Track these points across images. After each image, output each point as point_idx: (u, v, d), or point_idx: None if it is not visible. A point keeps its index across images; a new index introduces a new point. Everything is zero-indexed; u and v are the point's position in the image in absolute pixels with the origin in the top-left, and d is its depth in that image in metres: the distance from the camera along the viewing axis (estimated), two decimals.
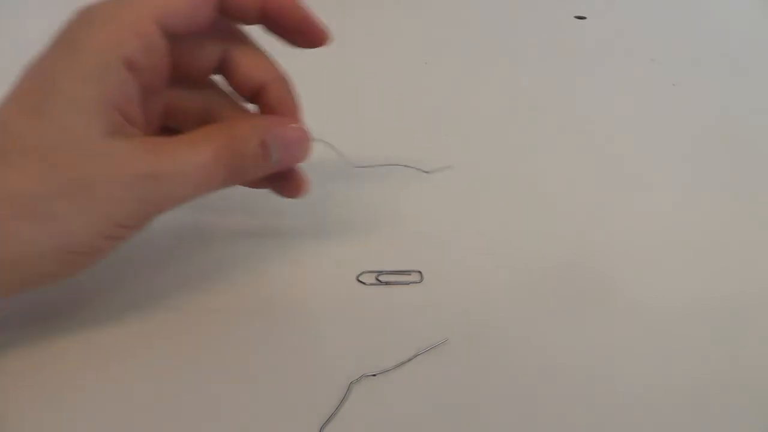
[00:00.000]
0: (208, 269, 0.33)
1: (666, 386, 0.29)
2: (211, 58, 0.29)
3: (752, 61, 0.57)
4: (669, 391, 0.28)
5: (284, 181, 0.31)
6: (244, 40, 0.30)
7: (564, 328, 0.31)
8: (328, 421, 0.26)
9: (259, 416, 0.27)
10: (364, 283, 0.32)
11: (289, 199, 0.32)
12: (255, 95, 0.30)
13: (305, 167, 0.31)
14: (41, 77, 0.25)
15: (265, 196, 0.33)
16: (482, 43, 0.57)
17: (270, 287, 0.32)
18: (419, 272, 0.33)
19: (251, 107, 0.31)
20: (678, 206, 0.39)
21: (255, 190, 0.33)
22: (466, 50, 0.56)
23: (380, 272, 0.33)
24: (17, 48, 0.29)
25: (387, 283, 0.32)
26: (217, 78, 0.31)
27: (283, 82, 0.30)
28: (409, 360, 0.29)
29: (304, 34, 0.29)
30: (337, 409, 0.27)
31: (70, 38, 0.26)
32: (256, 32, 0.30)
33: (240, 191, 0.32)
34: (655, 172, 0.42)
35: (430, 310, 0.31)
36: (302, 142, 0.29)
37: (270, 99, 0.30)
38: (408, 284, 0.32)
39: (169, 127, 0.30)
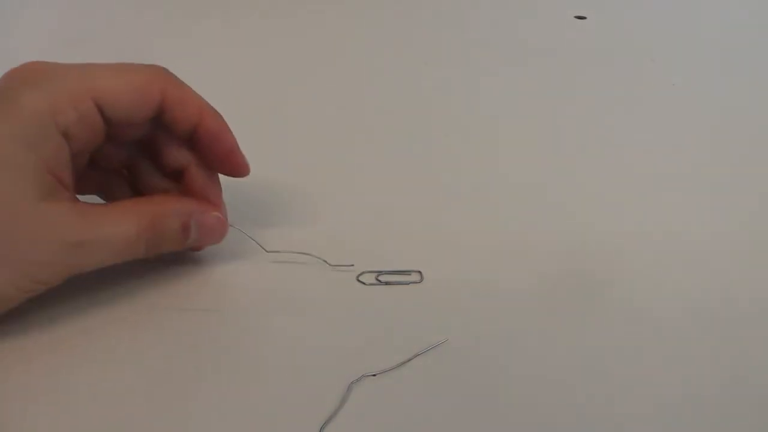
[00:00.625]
0: (206, 269, 0.33)
1: (666, 387, 0.29)
2: (144, 131, 0.31)
3: (752, 61, 0.57)
4: (669, 392, 0.28)
5: (226, 164, 0.32)
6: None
7: (564, 328, 0.31)
8: (328, 421, 0.26)
9: (259, 416, 0.27)
10: (363, 283, 0.32)
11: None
12: (179, 174, 0.32)
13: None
14: None
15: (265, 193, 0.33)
16: (482, 43, 0.57)
17: (269, 286, 0.32)
18: (419, 272, 0.33)
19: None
20: (678, 206, 0.39)
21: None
22: (466, 50, 0.56)
23: (380, 272, 0.32)
24: None
25: (387, 283, 0.32)
26: None
27: (206, 168, 0.32)
28: (409, 360, 0.29)
29: (227, 163, 0.31)
30: (337, 409, 0.27)
31: (9, 97, 0.27)
32: None
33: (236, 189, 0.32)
34: (654, 173, 0.42)
35: (430, 310, 0.31)
36: (220, 228, 0.32)
37: (196, 180, 0.31)
38: (408, 284, 0.32)
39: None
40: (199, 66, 0.35)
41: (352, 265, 0.33)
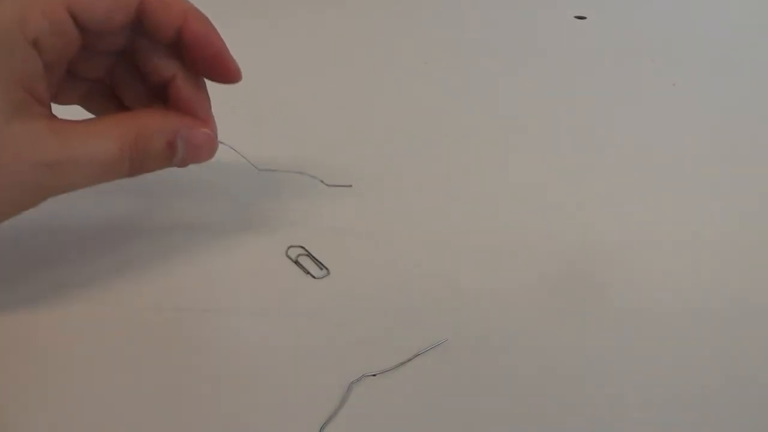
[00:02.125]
0: (204, 269, 0.33)
1: (666, 387, 0.29)
2: (124, 39, 0.29)
3: (752, 61, 0.57)
4: (669, 392, 0.28)
5: (214, 69, 0.30)
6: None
7: (564, 328, 0.31)
8: (329, 421, 0.26)
9: (259, 416, 0.27)
10: (290, 257, 0.33)
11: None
12: (164, 87, 0.30)
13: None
14: None
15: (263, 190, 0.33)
16: (482, 43, 0.57)
17: (270, 286, 0.32)
18: (327, 269, 0.33)
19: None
20: (678, 206, 0.39)
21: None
22: (466, 50, 0.56)
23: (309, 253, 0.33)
24: None
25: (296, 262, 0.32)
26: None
27: (196, 78, 0.30)
28: (409, 360, 0.29)
29: (216, 68, 0.29)
30: (337, 409, 0.27)
31: None
32: None
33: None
34: (654, 173, 0.42)
35: (429, 310, 0.31)
36: (209, 146, 0.30)
37: (182, 93, 0.29)
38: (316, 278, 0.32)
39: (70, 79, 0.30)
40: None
41: (350, 186, 0.31)
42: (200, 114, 0.30)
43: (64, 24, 0.26)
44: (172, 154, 0.29)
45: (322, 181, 0.30)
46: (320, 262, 0.33)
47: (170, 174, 0.30)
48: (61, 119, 0.26)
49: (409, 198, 0.39)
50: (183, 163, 0.30)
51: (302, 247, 0.33)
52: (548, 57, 0.55)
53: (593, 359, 0.30)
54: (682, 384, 0.29)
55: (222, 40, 0.29)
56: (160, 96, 0.30)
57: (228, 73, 0.29)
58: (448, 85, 0.51)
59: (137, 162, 0.28)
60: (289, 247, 0.33)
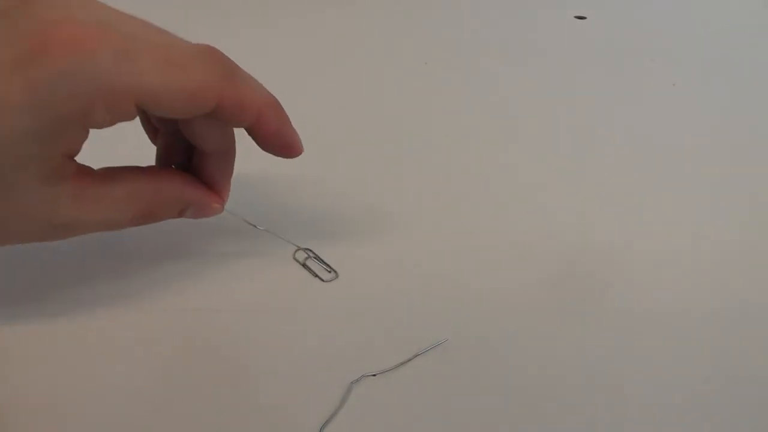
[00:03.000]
0: (206, 268, 0.33)
1: (666, 387, 0.29)
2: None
3: (752, 61, 0.57)
4: (669, 392, 0.28)
5: (280, 152, 0.30)
6: None
7: (564, 328, 0.31)
8: (329, 421, 0.26)
9: (259, 416, 0.27)
10: (297, 260, 0.33)
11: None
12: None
13: None
14: None
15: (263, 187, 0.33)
16: (482, 43, 0.57)
17: (269, 286, 0.32)
18: (336, 272, 0.33)
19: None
20: (677, 207, 0.39)
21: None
22: (466, 50, 0.56)
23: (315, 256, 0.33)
24: None
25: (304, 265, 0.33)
26: None
27: (232, 152, 0.30)
28: (409, 360, 0.29)
29: (283, 152, 0.29)
30: (338, 409, 0.27)
31: (38, 79, 0.22)
32: None
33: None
34: (654, 173, 0.42)
35: (430, 310, 0.31)
36: (214, 214, 0.30)
37: (212, 166, 0.30)
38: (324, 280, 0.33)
39: None
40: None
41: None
42: (219, 185, 0.30)
43: (128, 115, 0.25)
44: (178, 217, 0.29)
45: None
46: (328, 265, 0.33)
47: None
48: (86, 175, 0.26)
49: (409, 198, 0.39)
50: (185, 217, 0.30)
51: (309, 250, 0.33)
52: (548, 57, 0.55)
53: (593, 359, 0.30)
54: (682, 384, 0.29)
55: (293, 130, 0.29)
56: (188, 147, 0.30)
57: (290, 153, 0.30)
58: (448, 86, 0.51)
59: (143, 223, 0.28)
60: (297, 250, 0.33)
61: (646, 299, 0.33)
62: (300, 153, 0.30)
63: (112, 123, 0.24)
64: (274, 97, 0.28)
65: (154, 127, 0.31)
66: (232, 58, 0.27)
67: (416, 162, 0.42)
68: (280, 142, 0.29)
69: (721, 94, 0.51)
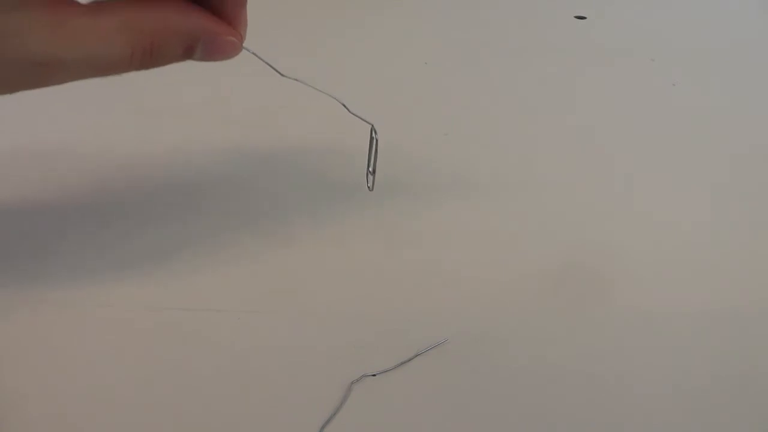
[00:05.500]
0: (207, 267, 0.33)
1: (666, 387, 0.29)
2: None
3: (752, 61, 0.57)
4: (669, 392, 0.28)
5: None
6: None
7: (564, 328, 0.31)
8: (329, 421, 0.26)
9: (259, 416, 0.27)
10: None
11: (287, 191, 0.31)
12: None
13: None
14: None
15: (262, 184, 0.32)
16: (482, 43, 0.57)
17: (269, 286, 0.32)
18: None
19: None
20: (678, 207, 0.39)
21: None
22: (466, 50, 0.56)
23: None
24: None
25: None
26: None
27: None
28: (409, 360, 0.29)
29: None
30: (338, 409, 0.27)
31: None
32: None
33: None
34: (654, 173, 0.42)
35: (429, 310, 0.31)
36: (231, 51, 0.26)
37: None
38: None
39: None
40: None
41: (371, 125, 0.28)
42: (231, 13, 0.25)
43: None
44: (187, 57, 0.25)
45: (344, 106, 0.28)
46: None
47: (168, 166, 0.29)
48: (66, 6, 0.22)
49: (409, 197, 0.39)
50: (199, 60, 0.25)
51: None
52: (548, 57, 0.55)
53: (593, 359, 0.30)
54: (683, 384, 0.29)
55: None
56: None
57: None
58: (447, 85, 0.51)
59: (146, 63, 0.24)
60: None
61: (646, 299, 0.33)
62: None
63: None
64: None
65: None
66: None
67: (415, 161, 0.41)
68: None
69: (721, 94, 0.51)
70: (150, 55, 0.24)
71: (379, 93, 0.49)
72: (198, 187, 0.37)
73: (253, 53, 0.26)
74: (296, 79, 0.28)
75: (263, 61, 0.27)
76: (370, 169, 0.29)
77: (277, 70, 0.27)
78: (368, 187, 0.30)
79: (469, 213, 0.38)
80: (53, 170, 0.36)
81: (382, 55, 0.54)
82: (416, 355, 0.29)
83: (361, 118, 0.28)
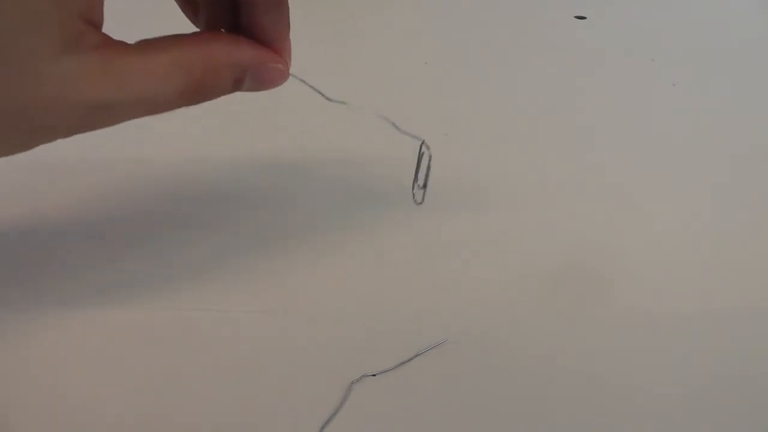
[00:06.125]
0: (209, 268, 0.33)
1: (666, 387, 0.29)
2: None
3: (752, 61, 0.57)
4: (669, 392, 0.28)
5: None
6: None
7: (564, 328, 0.31)
8: (329, 421, 0.26)
9: (259, 416, 0.27)
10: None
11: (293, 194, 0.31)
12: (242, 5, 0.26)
13: None
14: None
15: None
16: (482, 43, 0.57)
17: (270, 286, 0.32)
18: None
19: None
20: (678, 207, 0.39)
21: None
22: (466, 50, 0.56)
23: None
24: None
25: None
26: None
27: (280, 5, 0.26)
28: (409, 360, 0.29)
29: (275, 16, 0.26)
30: (338, 409, 0.27)
31: None
32: None
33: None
34: (654, 173, 0.42)
35: (429, 310, 0.31)
36: (279, 80, 0.26)
37: (261, 16, 0.25)
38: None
39: None
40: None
41: (423, 140, 0.28)
42: (276, 43, 0.26)
43: None
44: (236, 89, 0.25)
45: (394, 125, 0.29)
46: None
47: (176, 173, 0.29)
48: (116, 47, 0.22)
49: (408, 198, 0.39)
50: (248, 90, 0.26)
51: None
52: (548, 57, 0.55)
53: (593, 359, 0.30)
54: (683, 384, 0.29)
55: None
56: (233, 9, 0.26)
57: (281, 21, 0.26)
58: (446, 85, 0.51)
59: (197, 98, 0.24)
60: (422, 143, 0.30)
61: (646, 299, 0.33)
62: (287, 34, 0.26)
63: None
64: None
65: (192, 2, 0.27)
66: None
67: (415, 161, 0.41)
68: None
69: (721, 94, 0.51)
70: (201, 90, 0.24)
71: (379, 93, 0.49)
72: (225, 196, 0.37)
73: (301, 80, 0.27)
74: (343, 102, 0.29)
75: (311, 87, 0.28)
76: (419, 183, 0.29)
77: (323, 95, 0.28)
78: (416, 202, 0.30)
79: (469, 213, 0.38)
80: (60, 179, 0.36)
81: (382, 55, 0.54)
82: (416, 355, 0.29)
83: (412, 135, 0.28)
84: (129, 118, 0.23)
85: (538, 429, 0.27)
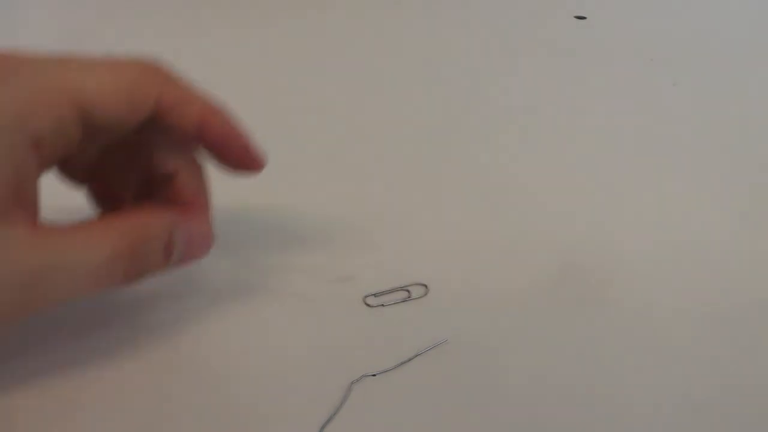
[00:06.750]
0: (204, 269, 0.33)
1: (666, 387, 0.29)
2: (126, 135, 0.26)
3: (752, 61, 0.57)
4: (669, 392, 0.28)
5: (239, 163, 0.28)
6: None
7: (563, 328, 0.31)
8: (329, 421, 0.26)
9: (259, 416, 0.27)
10: (370, 305, 0.31)
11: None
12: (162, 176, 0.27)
13: None
14: None
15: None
16: (482, 43, 0.57)
17: (269, 286, 0.32)
18: (424, 285, 0.32)
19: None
20: (678, 207, 0.39)
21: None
22: (466, 50, 0.56)
23: (383, 292, 0.31)
24: None
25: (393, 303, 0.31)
26: None
27: (199, 168, 0.28)
28: (409, 360, 0.29)
29: (239, 163, 0.28)
30: (338, 409, 0.27)
31: None
32: None
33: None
34: (655, 173, 0.42)
35: (429, 310, 0.31)
36: (206, 241, 0.28)
37: (185, 186, 0.27)
38: (414, 299, 0.31)
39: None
40: (198, 67, 0.35)
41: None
42: (199, 206, 0.28)
43: (69, 123, 0.23)
44: (168, 255, 0.26)
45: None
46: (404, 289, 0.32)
47: None
48: (47, 225, 0.23)
49: (408, 197, 0.39)
50: (178, 265, 0.27)
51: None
52: (548, 57, 0.55)
53: (593, 359, 0.30)
54: (683, 384, 0.29)
55: (244, 135, 0.27)
56: (154, 187, 0.28)
57: (253, 165, 0.28)
58: (445, 85, 0.51)
59: (132, 269, 0.25)
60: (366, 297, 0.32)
61: (647, 299, 0.33)
62: (262, 165, 0.28)
63: (54, 138, 0.23)
64: (218, 103, 0.27)
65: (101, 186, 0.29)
66: (225, 58, 0.27)
67: (414, 161, 0.42)
68: (235, 149, 0.27)
69: (721, 93, 0.51)
70: (131, 256, 0.24)
71: (379, 93, 0.49)
72: None
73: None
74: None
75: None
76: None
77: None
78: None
79: (469, 213, 0.38)
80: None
81: (382, 55, 0.55)
82: (416, 355, 0.29)
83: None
84: (67, 293, 0.23)
85: (538, 429, 0.27)
